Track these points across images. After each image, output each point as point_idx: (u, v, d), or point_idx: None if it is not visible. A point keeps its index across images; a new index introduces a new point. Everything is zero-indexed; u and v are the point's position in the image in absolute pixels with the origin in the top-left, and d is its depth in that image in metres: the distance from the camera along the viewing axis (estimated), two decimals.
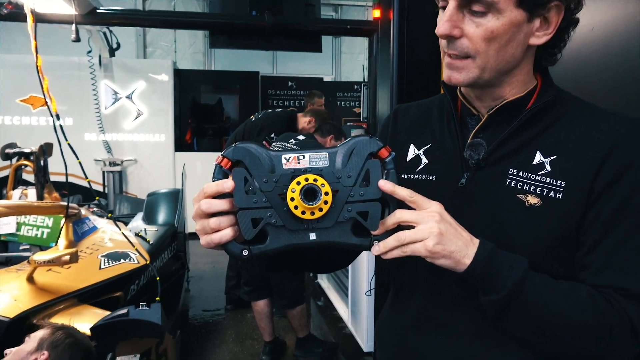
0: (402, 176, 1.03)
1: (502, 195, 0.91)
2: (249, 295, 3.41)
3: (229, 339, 3.74)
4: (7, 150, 3.32)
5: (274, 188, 0.81)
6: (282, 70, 8.61)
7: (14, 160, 3.35)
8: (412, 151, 1.05)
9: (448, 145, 1.00)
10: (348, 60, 9.11)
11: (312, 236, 0.82)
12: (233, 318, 4.15)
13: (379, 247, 0.82)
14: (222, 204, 0.81)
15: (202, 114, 7.46)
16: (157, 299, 2.52)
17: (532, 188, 0.89)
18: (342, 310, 4.00)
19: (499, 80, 0.92)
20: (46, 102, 2.93)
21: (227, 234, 0.81)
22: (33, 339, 1.73)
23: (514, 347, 0.90)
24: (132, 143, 6.61)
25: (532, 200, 0.88)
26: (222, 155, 0.83)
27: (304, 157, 0.83)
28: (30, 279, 2.37)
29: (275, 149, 0.84)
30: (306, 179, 0.80)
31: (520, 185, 0.90)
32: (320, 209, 0.80)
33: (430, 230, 0.80)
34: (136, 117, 6.57)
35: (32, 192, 3.29)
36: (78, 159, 3.21)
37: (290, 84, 8.00)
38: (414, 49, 2.80)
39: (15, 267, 2.54)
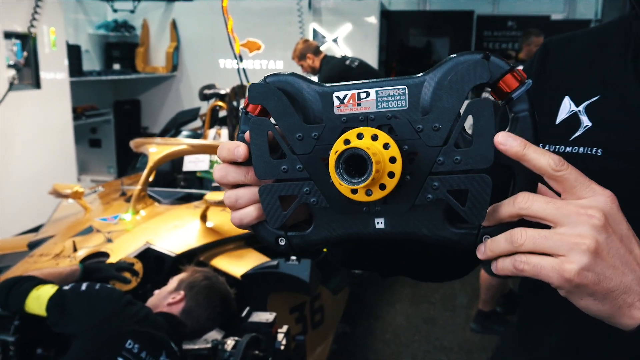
0: (547, 148, 0.65)
1: None
2: None
3: (404, 298, 3.52)
4: (205, 91, 3.50)
5: (313, 148, 0.53)
6: (504, 8, 7.70)
7: (211, 101, 3.52)
8: (567, 107, 0.65)
9: (632, 95, 0.60)
10: None
11: (379, 223, 0.52)
12: None
13: (484, 248, 0.49)
14: (237, 174, 0.56)
15: (408, 57, 7.14)
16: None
17: None
18: None
19: None
20: (230, 42, 2.96)
21: (248, 214, 0.56)
22: (174, 280, 1.76)
23: None
24: None
25: None
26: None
27: (367, 94, 0.52)
28: (204, 217, 2.44)
29: (333, 85, 0.54)
30: (359, 135, 0.49)
31: None
32: (382, 186, 0.49)
33: (577, 240, 0.44)
34: None
35: (225, 132, 3.43)
36: None
37: (509, 23, 7.12)
38: None
39: (194, 204, 2.65)
